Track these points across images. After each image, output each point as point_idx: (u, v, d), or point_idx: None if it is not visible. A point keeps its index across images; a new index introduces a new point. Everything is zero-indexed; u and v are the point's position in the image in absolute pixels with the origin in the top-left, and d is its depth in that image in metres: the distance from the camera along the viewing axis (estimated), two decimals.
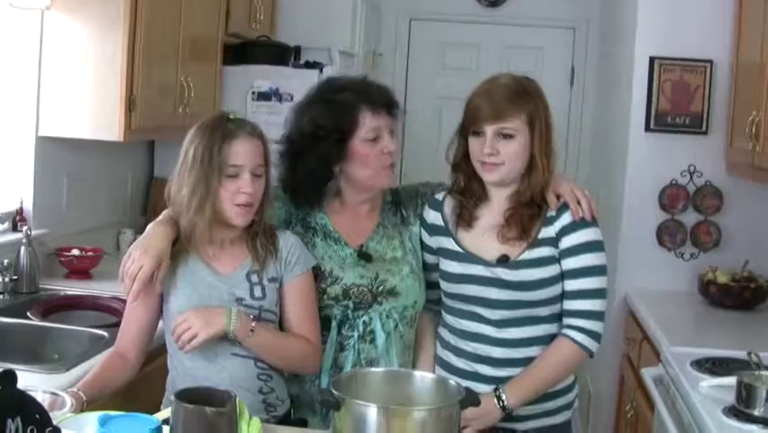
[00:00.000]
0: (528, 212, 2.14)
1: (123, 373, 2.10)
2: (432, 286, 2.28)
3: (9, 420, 1.46)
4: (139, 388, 2.21)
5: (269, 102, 3.96)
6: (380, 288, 2.20)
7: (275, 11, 4.55)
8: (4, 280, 2.93)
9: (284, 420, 2.12)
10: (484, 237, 2.18)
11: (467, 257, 2.17)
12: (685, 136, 3.75)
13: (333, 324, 2.20)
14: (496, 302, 2.13)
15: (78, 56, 3.12)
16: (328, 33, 4.48)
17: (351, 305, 2.19)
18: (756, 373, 2.28)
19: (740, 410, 2.19)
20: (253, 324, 2.02)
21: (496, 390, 2.09)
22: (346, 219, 2.26)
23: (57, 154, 3.29)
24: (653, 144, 3.79)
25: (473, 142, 2.14)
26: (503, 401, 2.08)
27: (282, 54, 4.20)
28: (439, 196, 2.28)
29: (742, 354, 2.58)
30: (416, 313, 2.27)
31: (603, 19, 5.37)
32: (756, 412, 2.15)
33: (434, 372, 2.19)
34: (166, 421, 1.68)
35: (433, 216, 2.26)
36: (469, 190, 2.21)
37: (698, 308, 3.54)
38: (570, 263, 2.13)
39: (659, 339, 3.02)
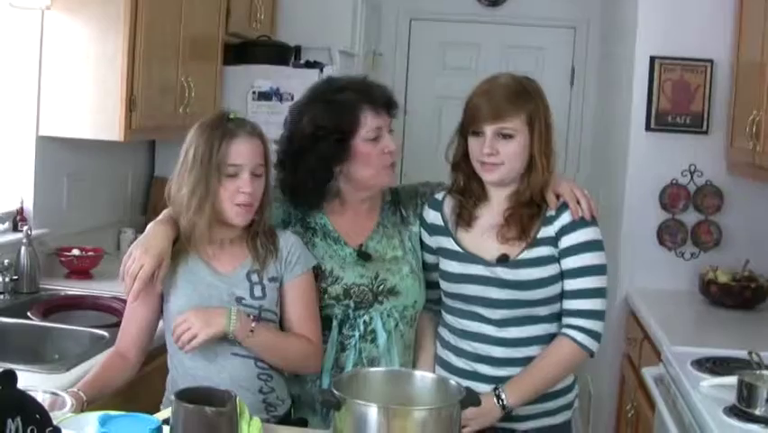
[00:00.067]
0: (528, 212, 2.14)
1: (123, 372, 2.10)
2: (432, 286, 2.28)
3: (9, 420, 1.46)
4: (139, 388, 2.21)
5: (269, 102, 3.96)
6: (381, 287, 2.20)
7: (275, 10, 4.55)
8: (4, 280, 2.94)
9: (284, 420, 2.12)
10: (484, 237, 2.18)
11: (467, 257, 2.17)
12: (686, 136, 3.75)
13: (334, 323, 2.20)
14: (496, 302, 2.13)
15: (79, 56, 3.12)
16: (328, 33, 4.48)
17: (351, 304, 2.19)
18: (757, 372, 2.27)
19: (741, 410, 2.19)
20: (253, 324, 2.02)
21: (495, 389, 2.09)
22: (346, 219, 2.26)
23: (57, 154, 3.29)
24: (654, 144, 3.79)
25: (473, 142, 2.14)
26: (503, 401, 2.08)
27: (282, 54, 4.20)
28: (439, 196, 2.28)
29: (743, 354, 2.59)
30: (416, 313, 2.27)
31: (603, 19, 5.36)
32: (757, 412, 2.15)
33: (434, 372, 2.19)
34: (166, 421, 1.68)
35: (432, 216, 2.26)
36: (468, 190, 2.21)
37: (698, 307, 3.53)
38: (569, 263, 2.13)
39: (660, 339, 3.02)
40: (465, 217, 2.20)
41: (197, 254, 2.08)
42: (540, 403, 2.16)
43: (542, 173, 2.13)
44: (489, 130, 2.10)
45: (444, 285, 2.22)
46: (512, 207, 2.16)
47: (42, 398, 1.75)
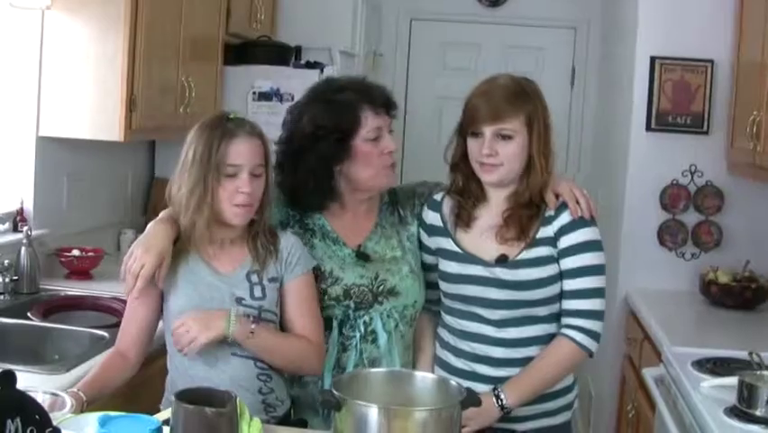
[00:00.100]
0: (527, 212, 2.14)
1: (123, 372, 2.10)
2: (431, 286, 2.28)
3: (9, 421, 1.45)
4: (139, 388, 2.21)
5: (269, 102, 3.96)
6: (381, 287, 2.20)
7: (276, 11, 4.55)
8: (4, 280, 2.93)
9: (284, 421, 2.12)
10: (482, 238, 2.17)
11: (466, 257, 2.17)
12: (686, 136, 3.75)
13: (335, 324, 2.20)
14: (495, 302, 2.13)
15: (79, 56, 3.11)
16: (329, 33, 4.48)
17: (352, 305, 2.19)
18: (758, 373, 2.27)
19: (742, 411, 2.19)
20: (253, 326, 2.01)
21: (495, 389, 2.09)
22: (344, 220, 2.25)
23: (57, 154, 3.29)
24: (654, 144, 3.79)
25: (472, 143, 2.14)
26: (502, 401, 2.08)
27: (283, 54, 4.19)
28: (437, 196, 2.27)
29: (743, 355, 2.58)
30: (415, 313, 2.27)
31: (604, 19, 5.36)
32: (758, 412, 2.15)
33: (432, 372, 2.18)
34: (166, 422, 1.68)
35: (431, 217, 2.26)
36: (467, 191, 2.21)
37: (699, 308, 3.53)
38: (568, 263, 2.13)
39: (660, 339, 3.02)
40: (464, 218, 2.20)
41: (198, 254, 2.08)
42: (540, 404, 2.16)
43: (541, 174, 2.13)
44: (488, 131, 2.10)
45: (443, 286, 2.22)
46: (511, 208, 2.16)
47: (42, 398, 1.75)
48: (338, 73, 3.93)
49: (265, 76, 3.99)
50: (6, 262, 2.95)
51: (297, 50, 4.33)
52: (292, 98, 3.77)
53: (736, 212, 3.74)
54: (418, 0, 5.71)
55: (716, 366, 2.62)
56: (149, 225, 2.11)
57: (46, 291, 3.05)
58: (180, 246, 2.07)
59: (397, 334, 2.22)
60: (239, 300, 2.06)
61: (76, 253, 3.28)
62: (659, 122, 3.77)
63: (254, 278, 2.08)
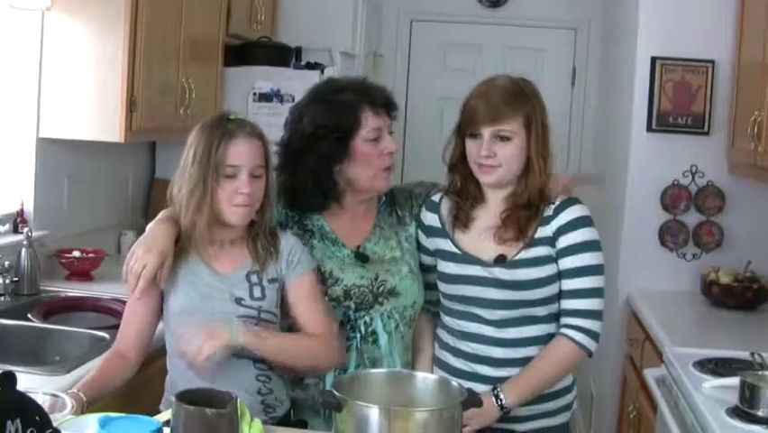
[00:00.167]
0: (525, 213, 2.14)
1: (122, 372, 2.09)
2: (430, 287, 2.28)
3: (9, 422, 1.45)
4: (139, 389, 2.21)
5: (270, 103, 3.95)
6: (381, 288, 2.20)
7: (276, 12, 4.55)
8: (4, 281, 2.93)
9: (283, 422, 2.11)
10: (481, 238, 2.17)
11: (464, 258, 2.17)
12: (687, 136, 3.75)
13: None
14: (494, 302, 2.13)
15: (79, 57, 3.11)
16: (329, 34, 4.48)
17: (352, 306, 2.19)
18: (759, 373, 2.27)
19: (743, 411, 2.19)
20: (257, 328, 2.00)
21: (494, 389, 2.09)
22: (343, 221, 2.25)
23: (57, 155, 3.29)
24: (655, 145, 3.79)
25: (470, 144, 2.14)
26: (501, 400, 2.08)
27: (283, 55, 4.19)
28: (435, 197, 2.27)
29: (745, 355, 2.58)
30: (415, 313, 2.27)
31: (604, 19, 5.36)
32: (760, 413, 2.15)
33: (432, 373, 2.18)
34: (167, 423, 1.67)
35: (430, 218, 2.26)
36: (465, 192, 2.20)
37: (700, 308, 3.53)
38: (567, 263, 2.12)
39: (661, 340, 3.01)
40: (462, 219, 2.20)
41: (198, 255, 2.08)
42: (539, 404, 2.16)
43: (539, 175, 2.13)
44: (486, 132, 2.10)
45: (442, 286, 2.22)
46: (509, 209, 2.16)
47: (42, 400, 1.75)
48: (338, 74, 3.92)
49: (265, 77, 3.99)
50: (7, 263, 2.95)
51: (298, 51, 4.32)
52: (292, 99, 3.77)
53: (737, 212, 3.73)
54: (419, 1, 5.70)
55: (717, 367, 2.62)
56: (149, 225, 2.11)
57: (46, 293, 3.05)
58: (181, 246, 2.07)
59: (398, 334, 2.22)
60: (238, 301, 2.06)
61: (76, 254, 3.28)
62: (660, 122, 3.77)
63: (254, 278, 2.08)
